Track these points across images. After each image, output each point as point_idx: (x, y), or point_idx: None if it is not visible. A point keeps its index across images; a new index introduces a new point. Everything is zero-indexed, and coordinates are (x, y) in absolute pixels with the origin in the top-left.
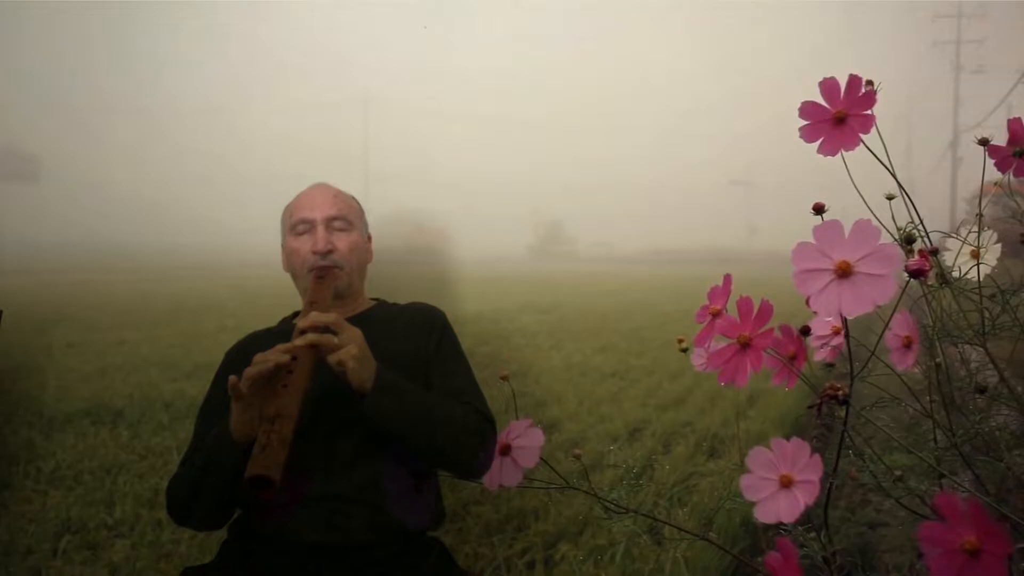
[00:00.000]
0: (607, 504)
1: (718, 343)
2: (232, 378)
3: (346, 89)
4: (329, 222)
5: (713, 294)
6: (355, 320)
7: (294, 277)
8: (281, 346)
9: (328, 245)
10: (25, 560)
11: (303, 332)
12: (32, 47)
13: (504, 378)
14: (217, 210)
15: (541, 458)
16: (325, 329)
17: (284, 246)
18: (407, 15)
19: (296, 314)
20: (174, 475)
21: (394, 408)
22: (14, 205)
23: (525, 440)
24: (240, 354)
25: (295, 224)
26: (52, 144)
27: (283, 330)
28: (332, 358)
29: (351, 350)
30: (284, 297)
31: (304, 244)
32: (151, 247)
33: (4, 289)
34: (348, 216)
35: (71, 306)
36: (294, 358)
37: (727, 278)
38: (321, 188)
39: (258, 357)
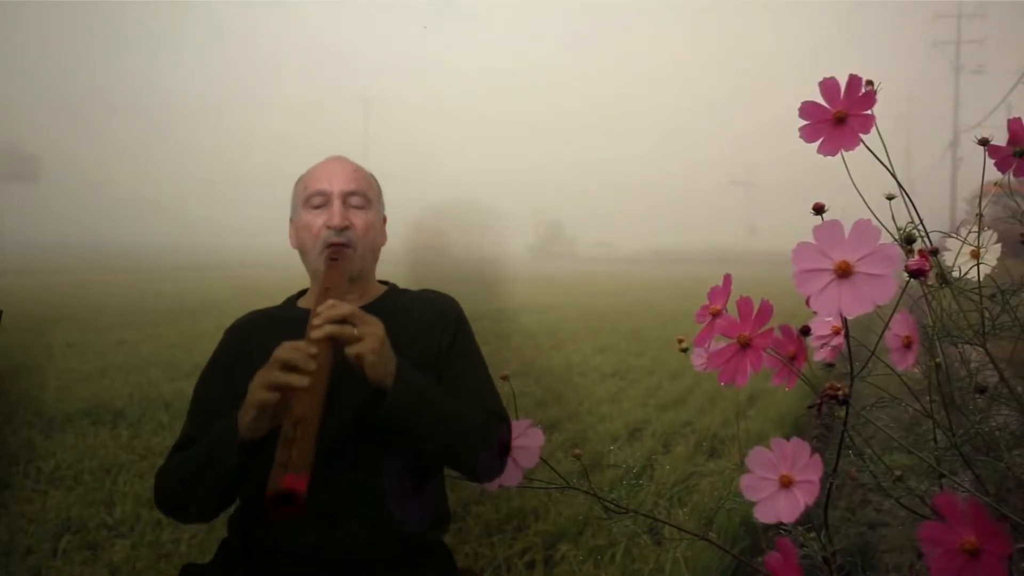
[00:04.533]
0: (607, 504)
1: (718, 343)
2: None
3: (346, 89)
4: (346, 197)
5: (713, 294)
6: (367, 309)
7: (303, 254)
8: (301, 344)
9: (344, 220)
10: (25, 560)
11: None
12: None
13: (504, 378)
14: (217, 210)
15: (541, 458)
16: (342, 320)
17: (294, 220)
18: (407, 15)
19: (300, 294)
20: (164, 465)
21: (412, 407)
22: (14, 205)
23: (525, 440)
24: (241, 336)
25: (310, 196)
26: (52, 144)
27: (288, 315)
28: (350, 351)
29: (371, 343)
30: (284, 297)
31: (318, 218)
32: (151, 247)
33: (4, 289)
34: (367, 193)
35: (71, 306)
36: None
37: (727, 278)
38: (340, 160)
39: (279, 354)
